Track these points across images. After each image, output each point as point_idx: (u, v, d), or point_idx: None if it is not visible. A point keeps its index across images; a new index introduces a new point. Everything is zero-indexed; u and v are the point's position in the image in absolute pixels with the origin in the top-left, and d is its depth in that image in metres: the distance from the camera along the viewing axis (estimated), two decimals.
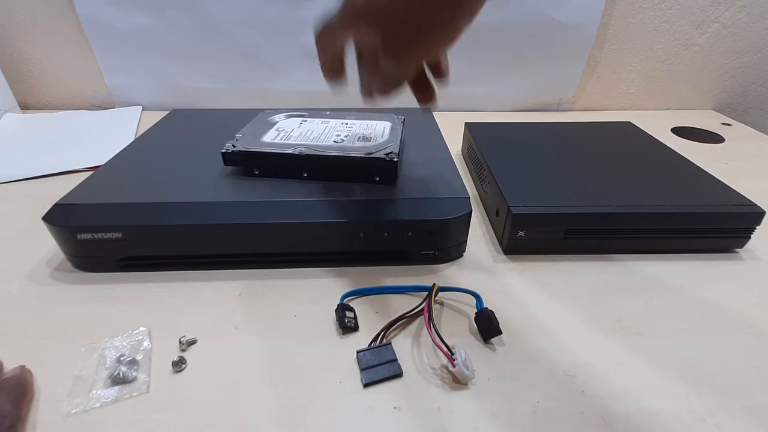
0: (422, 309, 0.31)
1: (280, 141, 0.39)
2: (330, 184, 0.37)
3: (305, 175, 0.38)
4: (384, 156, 0.36)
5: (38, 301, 0.33)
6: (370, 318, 0.31)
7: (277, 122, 0.44)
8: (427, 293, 0.31)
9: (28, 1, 0.64)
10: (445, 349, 0.27)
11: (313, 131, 0.41)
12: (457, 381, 0.27)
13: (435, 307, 0.32)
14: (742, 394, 0.26)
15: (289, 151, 0.37)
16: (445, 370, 0.27)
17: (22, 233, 0.40)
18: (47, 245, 0.37)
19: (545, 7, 0.64)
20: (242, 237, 0.34)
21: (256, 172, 0.38)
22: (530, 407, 0.25)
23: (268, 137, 0.40)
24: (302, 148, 0.37)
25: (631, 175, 0.42)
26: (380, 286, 0.34)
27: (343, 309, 0.31)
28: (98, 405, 0.25)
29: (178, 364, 0.27)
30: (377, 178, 0.37)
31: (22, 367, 0.27)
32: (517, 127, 0.53)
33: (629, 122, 0.55)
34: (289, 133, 0.41)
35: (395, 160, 0.36)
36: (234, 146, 0.38)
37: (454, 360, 0.26)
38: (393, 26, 0.23)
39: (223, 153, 0.38)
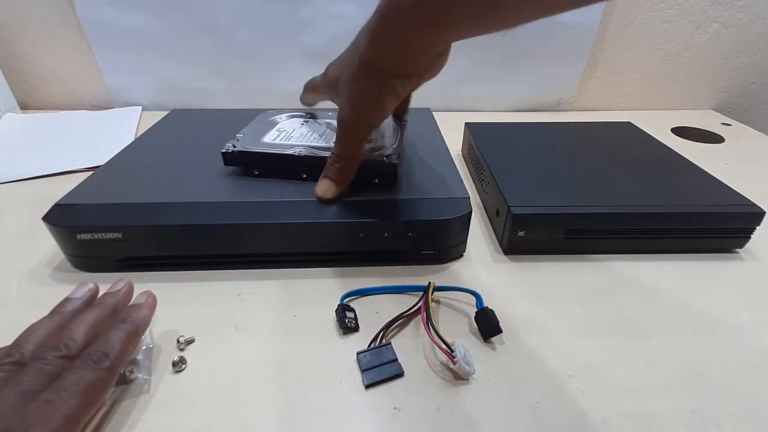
0: (420, 308, 0.30)
1: (280, 141, 0.39)
2: None
3: (304, 176, 0.38)
4: (383, 159, 0.36)
5: (38, 301, 0.33)
6: (370, 318, 0.31)
7: (278, 123, 0.44)
8: (423, 292, 0.31)
9: (28, 1, 0.64)
10: (444, 347, 0.27)
11: (314, 132, 0.41)
12: (458, 378, 0.27)
13: (434, 306, 0.32)
14: (742, 394, 0.26)
15: (289, 151, 0.37)
16: (446, 368, 0.27)
17: (22, 233, 0.40)
18: (47, 245, 0.37)
19: None
20: (242, 237, 0.34)
21: (256, 173, 0.38)
22: (530, 407, 0.25)
23: (269, 137, 0.40)
24: (301, 149, 0.37)
25: (631, 175, 0.42)
26: (380, 286, 0.34)
27: (343, 309, 0.31)
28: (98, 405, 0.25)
29: (179, 364, 0.27)
30: (376, 180, 0.37)
31: (151, 305, 0.28)
32: (517, 127, 0.53)
33: (629, 122, 0.55)
34: (290, 134, 0.41)
35: (394, 162, 0.36)
36: (234, 146, 0.38)
37: (454, 357, 0.26)
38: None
39: (223, 153, 0.38)
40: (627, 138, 0.51)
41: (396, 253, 0.36)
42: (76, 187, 0.37)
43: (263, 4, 0.64)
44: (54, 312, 0.26)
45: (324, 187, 0.34)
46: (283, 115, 0.45)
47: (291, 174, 0.38)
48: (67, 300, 0.27)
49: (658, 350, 0.29)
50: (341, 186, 0.34)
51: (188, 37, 0.66)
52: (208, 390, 0.26)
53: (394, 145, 0.38)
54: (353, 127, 0.32)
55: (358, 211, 0.34)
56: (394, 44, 0.27)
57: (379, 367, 0.27)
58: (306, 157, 0.37)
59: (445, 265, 0.37)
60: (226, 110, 0.56)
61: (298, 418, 0.25)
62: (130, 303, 0.28)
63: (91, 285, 0.28)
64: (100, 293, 0.29)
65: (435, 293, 0.32)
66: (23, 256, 0.37)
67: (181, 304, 0.32)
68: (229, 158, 0.38)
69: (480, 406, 0.25)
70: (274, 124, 0.43)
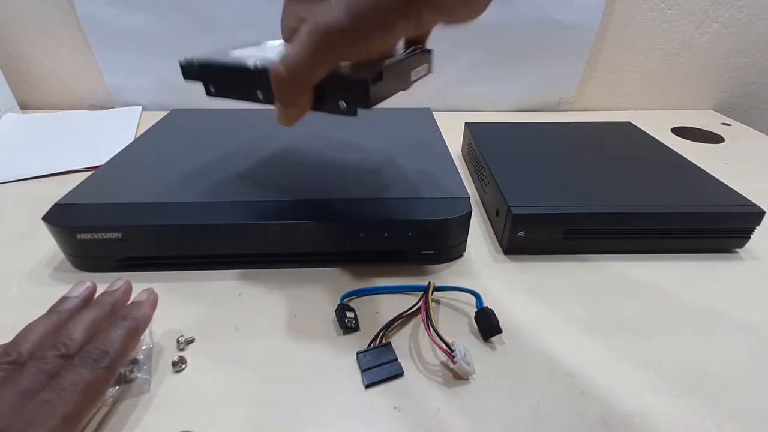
0: (420, 308, 0.30)
1: (244, 55, 0.30)
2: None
3: (260, 96, 0.28)
4: (349, 72, 0.25)
5: (38, 301, 0.33)
6: (370, 318, 0.31)
7: (266, 41, 0.33)
8: (423, 292, 0.31)
9: (28, 1, 0.64)
10: (444, 347, 0.27)
11: None
12: (458, 377, 0.27)
13: (434, 306, 0.32)
14: (742, 394, 0.26)
15: (244, 63, 0.28)
16: (445, 368, 0.27)
17: (22, 233, 0.40)
18: (47, 245, 0.37)
19: (545, 7, 0.64)
20: (242, 237, 0.34)
21: (212, 90, 0.30)
22: (530, 407, 0.25)
23: (239, 52, 0.31)
24: (259, 62, 0.27)
25: (631, 175, 0.42)
26: (380, 286, 0.34)
27: (343, 309, 0.31)
28: (99, 405, 0.25)
29: (178, 364, 0.27)
30: (343, 104, 0.26)
31: (152, 303, 0.27)
32: (517, 127, 0.53)
33: (629, 122, 0.55)
34: (265, 49, 0.31)
35: (362, 78, 0.24)
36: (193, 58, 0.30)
37: (454, 357, 0.26)
38: None
39: (180, 63, 0.31)
40: (627, 138, 0.51)
41: (396, 253, 0.36)
42: (76, 187, 0.37)
43: (263, 4, 0.63)
44: (51, 311, 0.26)
45: (279, 114, 0.27)
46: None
47: (245, 93, 0.29)
48: (64, 299, 0.27)
49: (658, 350, 0.29)
50: (292, 110, 0.26)
51: (188, 37, 0.66)
52: (208, 390, 0.26)
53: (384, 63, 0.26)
54: (333, 38, 0.22)
55: (358, 211, 0.34)
56: None
57: (379, 367, 0.27)
58: (261, 71, 0.26)
59: (445, 265, 0.37)
60: (226, 110, 0.56)
61: (298, 418, 0.25)
62: (131, 300, 0.28)
63: (89, 283, 0.28)
64: (99, 293, 0.28)
65: (435, 293, 0.32)
66: (23, 256, 0.37)
67: (181, 304, 0.32)
68: (187, 71, 0.31)
69: (480, 406, 0.25)
70: (261, 42, 0.33)
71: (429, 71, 0.29)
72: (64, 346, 0.22)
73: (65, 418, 0.20)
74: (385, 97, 0.26)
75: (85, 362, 0.22)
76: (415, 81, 0.28)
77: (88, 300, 0.27)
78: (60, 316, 0.25)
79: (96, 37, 0.66)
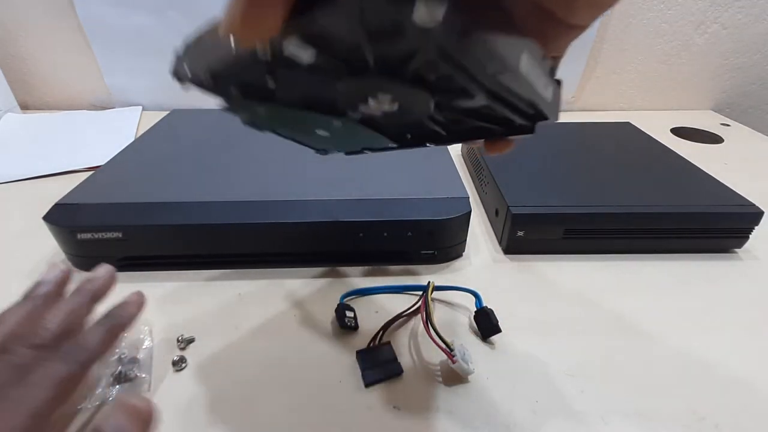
0: (419, 307, 0.31)
1: None
2: None
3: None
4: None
5: None
6: (370, 317, 0.31)
7: None
8: (422, 292, 0.31)
9: (28, 1, 0.64)
10: (443, 346, 0.27)
11: None
12: (457, 377, 0.27)
13: (434, 305, 0.32)
14: (742, 393, 0.27)
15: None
16: (445, 367, 0.27)
17: (22, 233, 0.40)
18: (47, 245, 0.37)
19: None
20: (242, 237, 0.34)
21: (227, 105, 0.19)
22: (529, 406, 0.25)
23: None
24: None
25: (631, 175, 0.42)
26: (380, 286, 0.34)
27: (343, 309, 0.31)
28: (99, 403, 0.25)
29: (179, 363, 0.27)
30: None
31: (138, 303, 0.26)
32: None
33: (628, 122, 0.55)
34: None
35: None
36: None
37: (453, 356, 0.26)
38: None
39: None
40: (626, 138, 0.51)
41: (396, 253, 0.36)
42: (76, 187, 0.37)
43: None
44: (26, 296, 0.25)
45: (227, 15, 0.12)
46: None
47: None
48: (38, 284, 0.26)
49: (658, 350, 0.29)
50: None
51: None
52: (208, 389, 0.26)
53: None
54: None
55: (357, 211, 0.34)
56: None
57: (379, 367, 0.27)
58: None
59: (445, 264, 0.37)
60: None
61: (297, 417, 0.25)
62: (121, 301, 0.26)
63: (63, 266, 0.27)
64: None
65: (434, 293, 0.32)
66: (24, 256, 0.37)
67: (181, 303, 0.32)
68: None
69: (479, 405, 0.25)
70: None
71: (554, 100, 0.17)
72: (37, 336, 0.22)
73: (33, 415, 0.19)
74: (449, 47, 0.11)
75: (60, 357, 0.21)
76: (527, 84, 0.14)
77: (62, 284, 0.26)
78: (34, 302, 0.24)
79: (96, 37, 0.66)
